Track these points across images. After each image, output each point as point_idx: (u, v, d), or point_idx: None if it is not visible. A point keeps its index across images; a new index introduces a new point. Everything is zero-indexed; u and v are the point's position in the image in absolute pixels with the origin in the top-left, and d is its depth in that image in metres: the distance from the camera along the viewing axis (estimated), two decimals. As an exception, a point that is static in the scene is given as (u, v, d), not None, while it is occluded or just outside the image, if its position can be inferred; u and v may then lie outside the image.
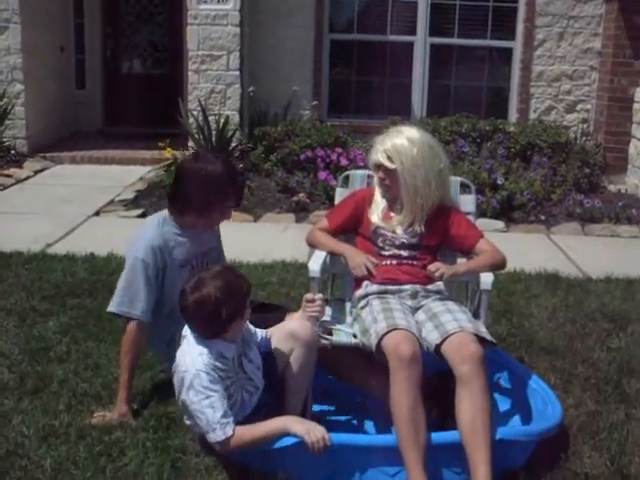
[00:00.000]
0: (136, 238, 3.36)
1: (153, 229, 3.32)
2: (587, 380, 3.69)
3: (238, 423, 2.78)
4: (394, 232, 3.30)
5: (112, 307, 3.30)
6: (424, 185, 3.25)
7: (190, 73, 8.68)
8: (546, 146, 8.11)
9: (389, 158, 3.24)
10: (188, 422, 2.92)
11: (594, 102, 9.19)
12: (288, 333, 3.02)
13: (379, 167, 3.30)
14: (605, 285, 5.17)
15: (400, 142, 3.25)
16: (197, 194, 3.25)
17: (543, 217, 7.03)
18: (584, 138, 8.92)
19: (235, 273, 2.86)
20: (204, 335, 2.79)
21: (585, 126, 9.14)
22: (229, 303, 2.73)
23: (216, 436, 2.71)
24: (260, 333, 3.06)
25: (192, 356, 2.75)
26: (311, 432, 2.69)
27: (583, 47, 9.15)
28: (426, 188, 3.25)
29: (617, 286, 5.13)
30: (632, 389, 3.61)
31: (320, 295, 3.06)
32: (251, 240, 6.08)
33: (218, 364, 2.75)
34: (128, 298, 3.25)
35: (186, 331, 2.87)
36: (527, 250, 5.96)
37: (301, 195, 7.13)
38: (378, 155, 3.27)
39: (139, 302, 3.24)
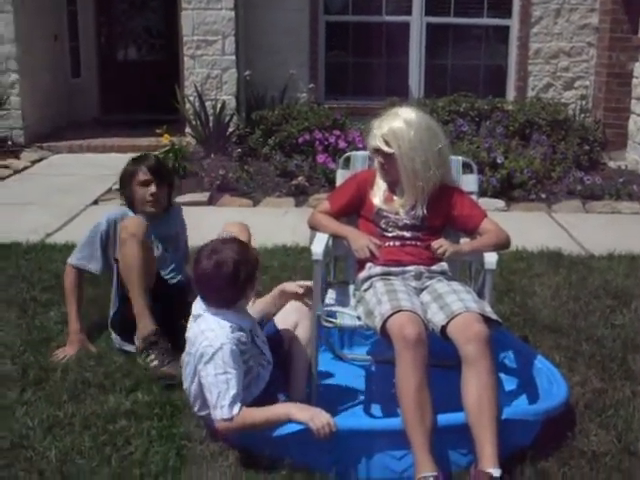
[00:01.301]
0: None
1: (118, 207, 4.02)
2: (592, 358, 3.67)
3: (255, 399, 2.84)
4: (397, 213, 3.27)
5: (72, 260, 3.87)
6: (423, 167, 3.21)
7: (186, 58, 8.63)
8: (545, 124, 8.07)
9: (386, 142, 3.20)
10: (200, 412, 2.92)
11: (592, 78, 9.15)
12: (292, 308, 3.15)
13: (377, 152, 3.27)
14: (608, 262, 5.15)
15: (397, 125, 3.20)
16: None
17: (544, 195, 7.00)
18: (583, 115, 8.88)
19: (242, 241, 2.95)
20: (221, 303, 2.82)
21: (584, 103, 9.10)
22: (246, 264, 2.79)
23: (222, 413, 2.71)
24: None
25: (215, 331, 2.77)
26: (315, 418, 2.68)
27: (580, 23, 9.09)
28: (426, 170, 3.22)
29: (620, 263, 5.11)
30: (637, 366, 3.59)
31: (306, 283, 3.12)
32: (251, 225, 5.92)
33: (240, 336, 2.79)
34: (86, 254, 3.84)
35: (197, 310, 2.88)
36: (528, 228, 5.94)
37: (300, 178, 7.09)
38: (375, 140, 3.23)
39: (95, 260, 3.82)
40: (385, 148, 3.21)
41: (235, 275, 2.76)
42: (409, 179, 3.23)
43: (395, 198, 3.31)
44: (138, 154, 4.05)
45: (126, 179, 3.85)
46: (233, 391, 2.70)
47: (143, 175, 3.80)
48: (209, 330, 2.78)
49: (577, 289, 4.62)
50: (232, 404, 2.70)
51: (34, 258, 5.08)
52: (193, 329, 2.87)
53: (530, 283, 4.73)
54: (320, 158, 7.33)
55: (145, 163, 3.84)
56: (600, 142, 8.27)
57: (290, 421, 2.72)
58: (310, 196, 6.88)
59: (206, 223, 6.00)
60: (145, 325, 3.53)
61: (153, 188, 3.79)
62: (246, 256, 2.82)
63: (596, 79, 9.06)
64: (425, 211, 3.26)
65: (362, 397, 3.36)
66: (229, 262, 2.76)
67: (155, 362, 3.43)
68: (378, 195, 3.33)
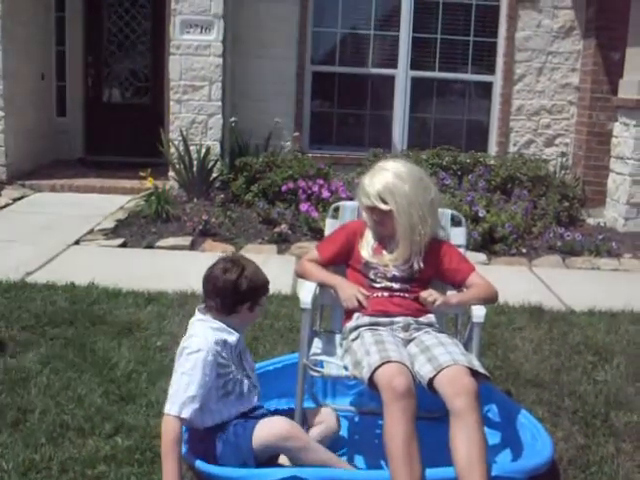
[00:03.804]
0: None
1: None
2: (575, 413, 3.68)
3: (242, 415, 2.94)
4: (386, 266, 3.28)
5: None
6: (420, 221, 3.23)
7: (172, 103, 8.66)
8: (526, 179, 8.17)
9: (382, 200, 3.21)
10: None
11: (573, 136, 9.30)
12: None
13: (372, 209, 3.27)
14: (588, 318, 5.18)
15: (391, 181, 3.21)
16: None
17: (524, 250, 7.05)
18: (563, 172, 9.00)
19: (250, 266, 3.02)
20: (215, 307, 2.93)
21: (564, 160, 9.22)
22: (248, 283, 2.93)
23: (171, 408, 2.77)
24: None
25: (199, 337, 2.88)
26: None
27: (562, 82, 9.27)
28: (423, 223, 3.24)
29: (600, 319, 5.14)
30: (620, 422, 3.60)
31: None
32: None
33: (219, 349, 2.87)
34: None
35: (193, 318, 3.00)
36: (510, 283, 5.94)
37: (283, 226, 7.10)
38: (371, 198, 3.23)
39: None
40: (382, 206, 3.21)
41: (235, 285, 2.89)
42: (406, 234, 3.23)
43: (384, 252, 3.31)
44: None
45: None
46: (190, 393, 2.77)
47: None
48: (195, 335, 2.89)
49: (558, 344, 4.64)
50: (184, 405, 2.77)
51: (14, 297, 5.02)
52: (189, 331, 2.97)
53: (512, 337, 4.74)
54: (303, 207, 7.35)
55: None
56: (580, 199, 8.38)
57: None
58: (292, 244, 6.88)
59: (189, 268, 6.00)
60: None
61: None
62: (253, 277, 2.96)
63: (576, 137, 9.21)
64: (422, 264, 3.26)
65: (345, 448, 3.32)
66: (235, 272, 2.90)
67: None
68: (366, 249, 3.33)
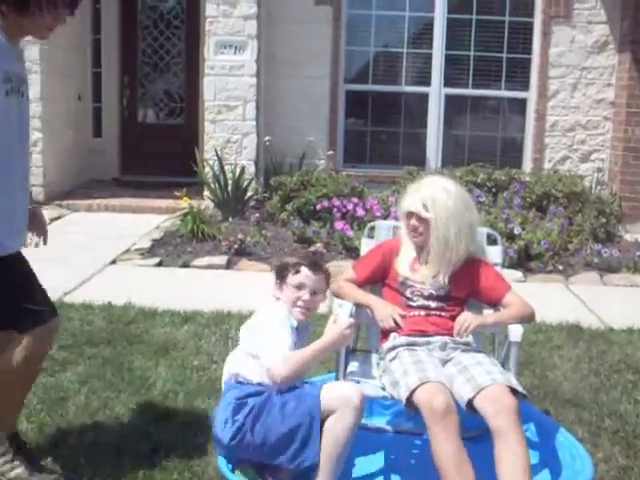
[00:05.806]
0: None
1: None
2: (615, 433, 3.62)
3: None
4: (423, 283, 3.28)
5: None
6: (455, 238, 3.23)
7: (206, 123, 8.74)
8: (562, 196, 8.10)
9: (424, 206, 3.23)
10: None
11: (608, 152, 9.21)
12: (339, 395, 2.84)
13: (411, 215, 3.28)
14: (627, 336, 5.11)
15: (437, 192, 3.24)
16: None
17: (561, 267, 6.98)
18: (599, 187, 8.92)
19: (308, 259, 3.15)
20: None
21: (600, 175, 9.14)
22: (290, 265, 3.13)
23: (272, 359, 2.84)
24: None
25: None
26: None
27: (596, 97, 9.20)
28: (457, 241, 3.24)
29: (640, 337, 5.08)
30: (662, 443, 3.54)
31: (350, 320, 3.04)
32: (268, 290, 6.03)
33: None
34: None
35: None
36: (546, 300, 5.89)
37: (318, 245, 7.11)
38: (414, 203, 3.25)
39: None
40: (423, 212, 3.22)
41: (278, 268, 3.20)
42: (439, 247, 3.24)
43: (421, 267, 3.32)
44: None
45: None
46: (284, 348, 2.86)
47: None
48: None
49: (597, 363, 4.59)
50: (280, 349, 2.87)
51: (52, 316, 5.07)
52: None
53: (550, 355, 4.70)
54: (338, 225, 7.36)
55: None
56: (616, 215, 8.29)
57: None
58: (327, 263, 6.88)
59: (225, 287, 6.04)
60: None
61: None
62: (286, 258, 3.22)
63: (612, 152, 9.13)
64: (447, 281, 3.26)
65: (382, 467, 3.31)
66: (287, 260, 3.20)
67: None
68: (402, 265, 3.34)
